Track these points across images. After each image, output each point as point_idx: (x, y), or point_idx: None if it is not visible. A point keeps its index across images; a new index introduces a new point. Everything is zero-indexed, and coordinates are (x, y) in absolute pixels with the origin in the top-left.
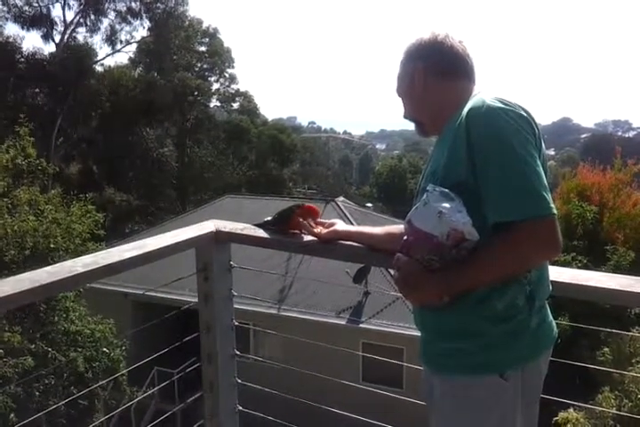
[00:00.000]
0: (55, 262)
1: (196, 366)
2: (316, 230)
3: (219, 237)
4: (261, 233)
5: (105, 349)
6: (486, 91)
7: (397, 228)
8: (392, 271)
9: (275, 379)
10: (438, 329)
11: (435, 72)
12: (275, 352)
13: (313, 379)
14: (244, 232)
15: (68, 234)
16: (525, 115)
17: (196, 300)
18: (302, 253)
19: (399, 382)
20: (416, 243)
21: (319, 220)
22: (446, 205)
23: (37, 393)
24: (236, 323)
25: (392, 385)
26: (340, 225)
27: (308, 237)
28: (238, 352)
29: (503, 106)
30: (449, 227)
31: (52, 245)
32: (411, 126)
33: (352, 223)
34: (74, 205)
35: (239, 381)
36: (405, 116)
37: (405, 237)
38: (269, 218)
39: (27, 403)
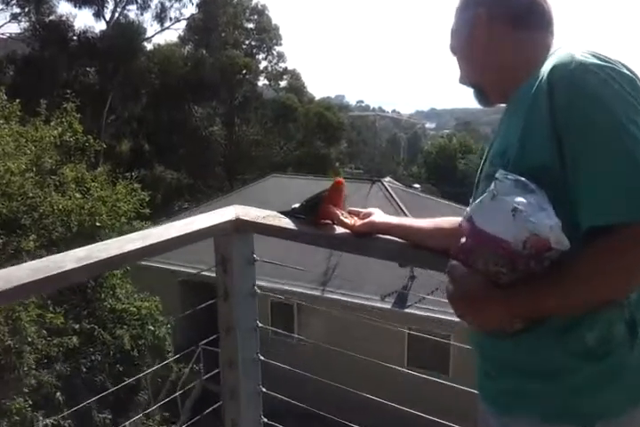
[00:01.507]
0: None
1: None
2: (349, 221)
3: (239, 226)
4: (287, 223)
5: (151, 326)
6: (572, 44)
7: (448, 221)
8: (445, 282)
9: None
10: (505, 362)
11: (502, 20)
12: (317, 336)
13: (355, 365)
14: (267, 221)
15: (113, 212)
16: (630, 74)
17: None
18: (333, 248)
19: (446, 368)
20: (479, 249)
21: (353, 208)
22: (523, 199)
23: (84, 369)
24: (260, 324)
25: (438, 371)
26: (379, 215)
27: (340, 230)
28: (262, 357)
29: (600, 62)
30: (528, 230)
31: (97, 224)
32: (462, 104)
33: (399, 205)
34: (120, 183)
35: (264, 389)
36: (462, 81)
37: (464, 240)
38: (297, 205)
39: (73, 380)
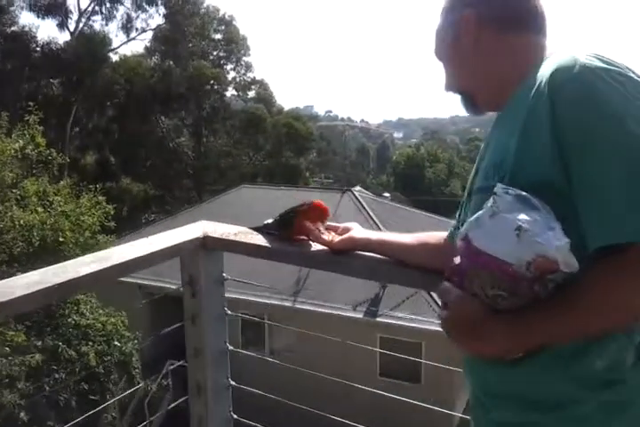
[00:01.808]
0: (65, 257)
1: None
2: (326, 237)
3: (207, 244)
4: (259, 240)
5: (117, 342)
6: (571, 46)
7: (433, 237)
8: (438, 305)
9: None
10: (502, 391)
11: (491, 22)
12: (289, 346)
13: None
14: (238, 238)
15: (77, 227)
16: (638, 79)
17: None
18: (309, 266)
19: (417, 376)
20: (476, 270)
21: (331, 223)
22: (528, 217)
23: (47, 388)
24: (231, 347)
25: (410, 380)
26: (358, 231)
27: (316, 246)
28: (234, 382)
29: (606, 65)
30: (534, 252)
31: (60, 239)
32: (429, 114)
33: (369, 214)
34: (83, 196)
35: (235, 416)
36: (448, 88)
37: (458, 260)
38: (270, 220)
39: (36, 399)
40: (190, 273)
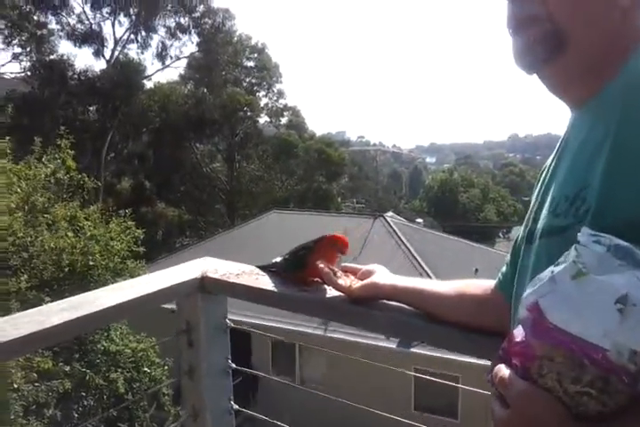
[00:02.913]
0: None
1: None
2: (343, 282)
3: (206, 286)
4: (265, 283)
5: (146, 368)
6: None
7: (475, 286)
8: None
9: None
10: None
11: None
12: (320, 376)
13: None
14: (240, 280)
15: (106, 251)
16: None
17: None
18: (321, 316)
19: (454, 412)
20: (549, 355)
21: (349, 264)
22: (634, 281)
23: (76, 415)
24: (236, 406)
25: (447, 415)
26: (382, 275)
27: (333, 292)
28: None
29: None
30: None
31: (90, 263)
32: (461, 139)
33: (401, 240)
34: (113, 221)
35: None
36: (524, 14)
37: (522, 336)
38: (279, 259)
39: (64, 426)
40: (187, 319)
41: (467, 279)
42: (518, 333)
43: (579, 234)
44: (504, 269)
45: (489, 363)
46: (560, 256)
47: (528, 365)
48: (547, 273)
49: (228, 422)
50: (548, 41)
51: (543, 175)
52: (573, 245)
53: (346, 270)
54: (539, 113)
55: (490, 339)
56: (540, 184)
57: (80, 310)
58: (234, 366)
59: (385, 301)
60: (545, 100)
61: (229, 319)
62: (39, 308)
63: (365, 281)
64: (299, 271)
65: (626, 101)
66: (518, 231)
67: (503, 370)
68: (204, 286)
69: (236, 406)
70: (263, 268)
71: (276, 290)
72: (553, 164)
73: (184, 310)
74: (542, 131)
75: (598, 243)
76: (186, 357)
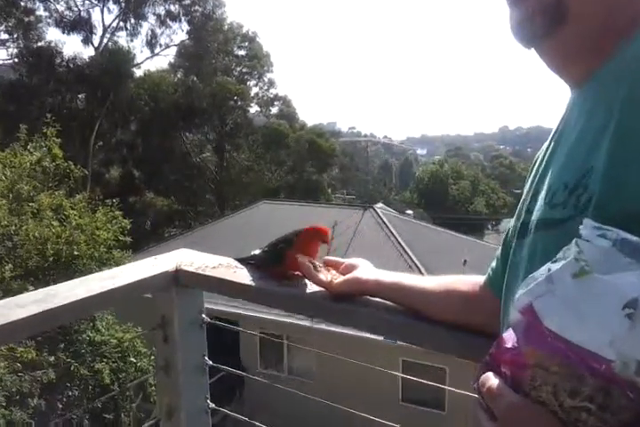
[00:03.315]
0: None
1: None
2: (324, 276)
3: (180, 280)
4: (242, 276)
5: (132, 358)
6: None
7: (463, 282)
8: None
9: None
10: None
11: None
12: (308, 367)
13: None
14: (216, 273)
15: (92, 241)
16: None
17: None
18: (300, 313)
19: (442, 403)
20: (543, 364)
21: (330, 257)
22: None
23: (60, 406)
24: (212, 405)
25: (434, 407)
26: (365, 270)
27: (313, 287)
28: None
29: None
30: None
31: (75, 253)
32: (453, 131)
33: (391, 232)
34: (99, 210)
35: None
36: None
37: (513, 342)
38: (258, 251)
39: (49, 416)
40: (162, 313)
41: (454, 275)
42: (509, 338)
43: (580, 227)
44: (494, 263)
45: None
46: (557, 252)
47: (519, 374)
48: (542, 271)
49: (204, 422)
50: (547, 12)
51: (537, 163)
52: (574, 240)
53: (328, 264)
54: (529, 105)
55: (477, 338)
56: (533, 172)
57: (47, 304)
58: (210, 363)
59: (368, 297)
60: (536, 92)
61: (206, 314)
62: (9, 299)
63: (348, 276)
64: (277, 265)
65: (632, 77)
66: (508, 224)
67: (491, 379)
68: (179, 279)
69: (212, 405)
70: (242, 260)
71: (253, 284)
72: (549, 149)
73: (159, 303)
74: (533, 123)
75: (603, 237)
76: (161, 352)
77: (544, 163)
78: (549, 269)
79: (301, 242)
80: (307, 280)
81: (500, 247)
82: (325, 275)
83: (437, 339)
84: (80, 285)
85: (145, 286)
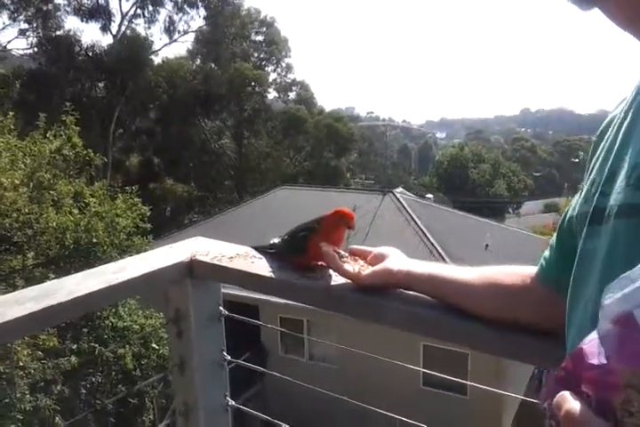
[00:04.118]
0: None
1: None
2: (351, 267)
3: (194, 271)
4: (261, 267)
5: (154, 345)
6: None
7: (508, 273)
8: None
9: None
10: None
11: None
12: (329, 351)
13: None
14: (233, 265)
15: (111, 228)
16: None
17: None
18: (324, 307)
19: (464, 388)
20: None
21: (357, 246)
22: None
23: (84, 392)
24: (232, 402)
25: (456, 391)
26: (396, 259)
27: (338, 279)
28: None
29: None
30: None
31: (94, 240)
32: (472, 114)
33: (411, 216)
34: (119, 197)
35: None
36: None
37: (600, 356)
38: (278, 239)
39: (74, 402)
40: (176, 307)
41: (497, 266)
42: (593, 351)
43: None
44: (547, 253)
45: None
46: None
47: (609, 397)
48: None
49: (224, 420)
50: None
51: (609, 139)
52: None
53: (354, 254)
54: (550, 87)
55: (523, 336)
56: (605, 149)
57: (48, 300)
58: (229, 358)
59: (400, 290)
60: (557, 73)
61: (224, 300)
62: (7, 295)
63: (377, 267)
64: (299, 255)
65: None
66: (568, 209)
67: (571, 401)
68: (193, 270)
69: (232, 402)
70: (260, 249)
71: (273, 276)
72: (626, 122)
73: (172, 297)
74: (554, 105)
75: None
76: (175, 349)
77: (620, 138)
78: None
79: (325, 229)
80: (331, 271)
81: (555, 235)
82: (352, 265)
83: (480, 337)
84: (83, 279)
85: (156, 278)
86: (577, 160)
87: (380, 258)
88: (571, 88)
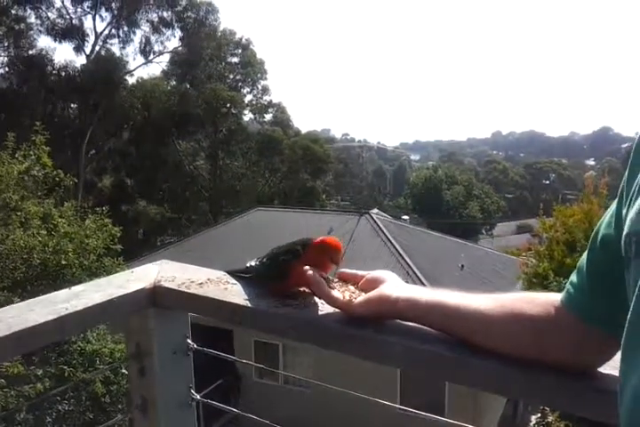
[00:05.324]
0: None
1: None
2: (340, 294)
3: (158, 299)
4: (236, 294)
5: (124, 370)
6: None
7: (529, 300)
8: None
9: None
10: None
11: None
12: (305, 372)
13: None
14: (203, 292)
15: (81, 249)
16: None
17: None
18: (310, 342)
19: (441, 408)
20: None
21: (347, 270)
22: None
23: (51, 420)
24: None
25: (433, 412)
26: (393, 284)
27: (326, 308)
28: None
29: None
30: None
31: (63, 262)
32: (446, 136)
33: (388, 238)
34: (89, 218)
35: None
36: None
37: None
38: (255, 262)
39: None
40: (137, 341)
41: (516, 292)
42: None
43: None
44: (574, 277)
45: None
46: None
47: None
48: None
49: None
50: None
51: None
52: None
53: (343, 278)
54: (521, 110)
55: (557, 378)
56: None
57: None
58: (198, 397)
59: (398, 321)
60: (528, 97)
61: (192, 325)
62: None
63: (371, 293)
64: (280, 281)
65: None
66: (601, 229)
67: None
68: (157, 298)
69: None
70: (235, 274)
71: (249, 305)
72: None
73: (133, 329)
74: (525, 128)
75: None
76: (136, 388)
77: None
78: None
79: (310, 255)
80: (317, 299)
81: (585, 257)
82: (342, 292)
83: (501, 379)
84: (28, 309)
85: (114, 308)
86: (548, 182)
87: (373, 283)
88: (541, 111)
